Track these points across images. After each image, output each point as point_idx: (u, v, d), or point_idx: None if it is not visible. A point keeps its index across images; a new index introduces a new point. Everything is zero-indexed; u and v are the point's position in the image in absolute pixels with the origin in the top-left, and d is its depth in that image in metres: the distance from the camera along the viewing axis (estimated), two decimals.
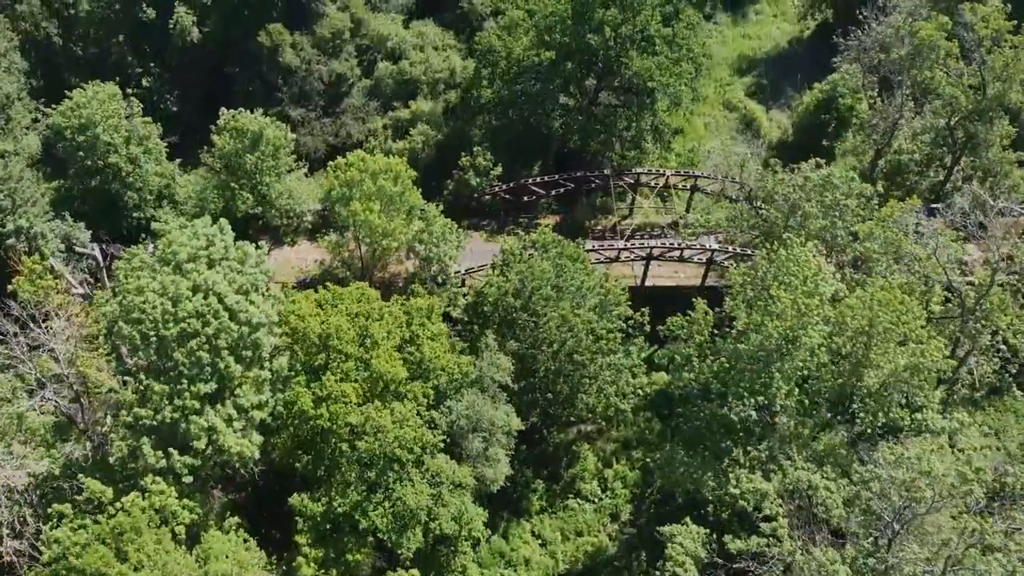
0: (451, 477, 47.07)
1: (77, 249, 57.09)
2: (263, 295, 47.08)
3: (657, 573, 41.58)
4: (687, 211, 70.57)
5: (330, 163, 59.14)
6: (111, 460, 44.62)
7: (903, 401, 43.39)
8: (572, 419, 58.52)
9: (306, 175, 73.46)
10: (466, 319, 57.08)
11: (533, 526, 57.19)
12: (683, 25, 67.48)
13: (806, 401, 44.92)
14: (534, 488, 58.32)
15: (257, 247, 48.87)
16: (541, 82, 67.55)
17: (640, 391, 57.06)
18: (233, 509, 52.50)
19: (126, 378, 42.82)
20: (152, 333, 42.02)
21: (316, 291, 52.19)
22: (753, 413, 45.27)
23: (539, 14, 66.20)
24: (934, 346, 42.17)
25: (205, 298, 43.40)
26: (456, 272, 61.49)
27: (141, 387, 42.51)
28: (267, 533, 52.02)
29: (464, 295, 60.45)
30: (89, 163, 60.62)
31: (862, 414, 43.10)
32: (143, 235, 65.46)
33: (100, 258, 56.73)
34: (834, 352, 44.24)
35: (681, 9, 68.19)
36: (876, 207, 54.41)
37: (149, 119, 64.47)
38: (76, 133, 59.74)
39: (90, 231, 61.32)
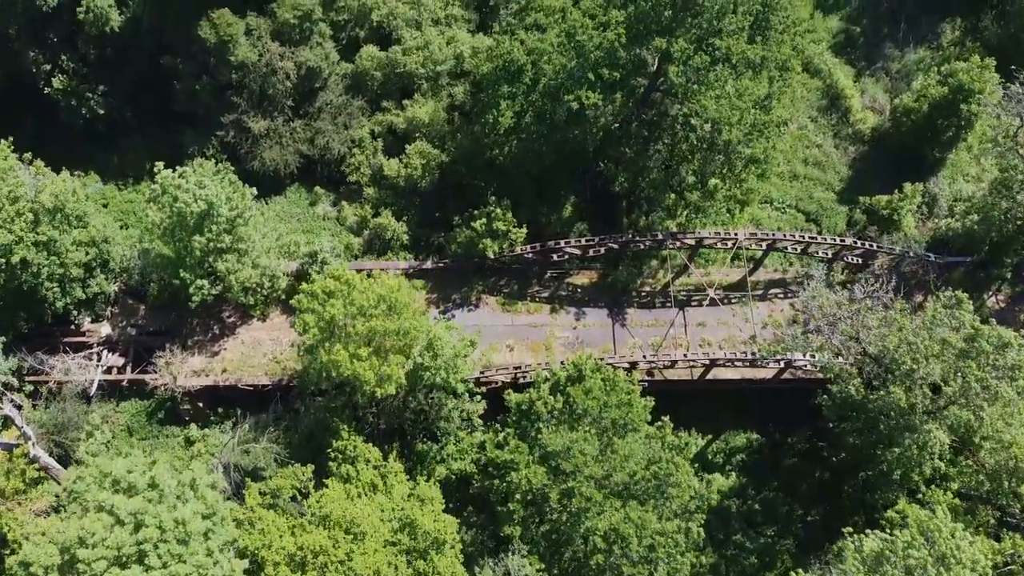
0: None
1: None
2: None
3: None
4: (757, 267, 56.22)
5: (300, 290, 44.59)
6: None
7: None
8: None
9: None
10: (483, 485, 45.86)
11: None
12: (778, 32, 49.27)
13: None
14: None
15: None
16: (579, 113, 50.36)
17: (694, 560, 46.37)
18: None
19: None
20: None
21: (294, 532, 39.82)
22: None
23: (582, 41, 47.50)
24: None
25: None
26: (464, 381, 48.51)
27: None
28: None
29: (479, 412, 48.81)
30: None
31: None
32: (74, 312, 52.38)
33: (15, 416, 43.82)
34: None
35: (773, 5, 49.21)
36: None
37: (65, 179, 48.81)
38: None
39: (2, 338, 48.19)
